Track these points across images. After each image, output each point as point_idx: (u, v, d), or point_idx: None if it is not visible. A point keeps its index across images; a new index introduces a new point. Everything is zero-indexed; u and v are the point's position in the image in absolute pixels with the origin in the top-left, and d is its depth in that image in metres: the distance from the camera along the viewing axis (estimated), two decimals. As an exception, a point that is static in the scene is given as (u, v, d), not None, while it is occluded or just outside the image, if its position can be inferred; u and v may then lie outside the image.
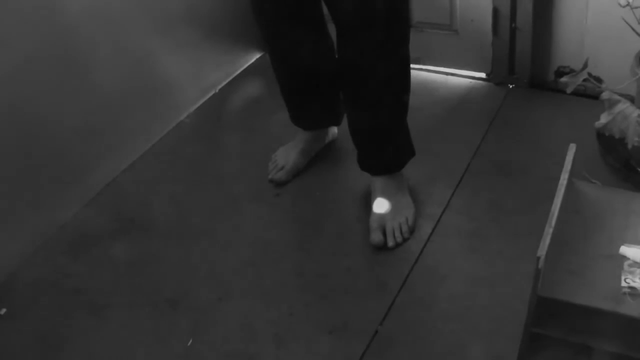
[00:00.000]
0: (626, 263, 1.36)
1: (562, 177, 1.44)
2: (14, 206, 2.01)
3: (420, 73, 2.63)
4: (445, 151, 2.27)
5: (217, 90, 2.71)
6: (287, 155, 2.24)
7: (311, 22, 2.01)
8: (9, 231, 2.00)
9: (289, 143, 2.27)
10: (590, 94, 2.37)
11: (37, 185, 2.06)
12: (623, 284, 1.32)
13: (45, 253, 2.08)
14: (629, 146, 1.97)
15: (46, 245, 2.10)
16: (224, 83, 2.74)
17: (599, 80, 2.29)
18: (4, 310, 1.92)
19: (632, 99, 2.04)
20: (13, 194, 1.99)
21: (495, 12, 2.43)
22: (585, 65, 2.16)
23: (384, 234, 1.96)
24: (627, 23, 1.99)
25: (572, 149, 1.50)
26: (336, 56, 1.96)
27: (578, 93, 2.39)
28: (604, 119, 2.05)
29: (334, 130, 2.33)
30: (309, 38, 2.04)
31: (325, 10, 1.93)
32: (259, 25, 2.08)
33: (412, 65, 1.93)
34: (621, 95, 2.05)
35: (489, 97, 2.52)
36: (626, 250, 1.38)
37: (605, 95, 2.06)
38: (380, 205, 1.99)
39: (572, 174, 1.48)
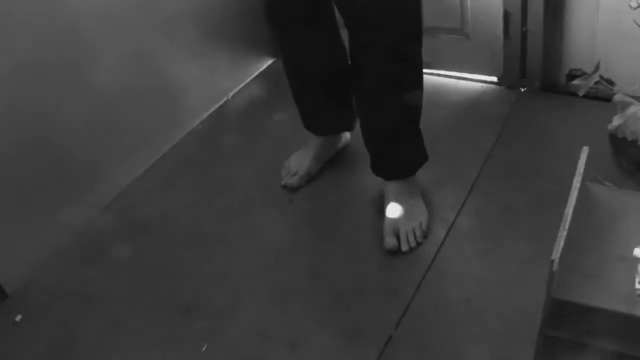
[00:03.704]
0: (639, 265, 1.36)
1: (575, 180, 1.44)
2: (29, 214, 2.02)
3: (432, 77, 2.63)
4: (458, 155, 2.27)
5: (229, 97, 2.72)
6: (300, 161, 2.24)
7: (323, 26, 2.02)
8: (24, 238, 2.01)
9: (301, 149, 2.28)
10: (602, 97, 2.36)
11: (51, 192, 2.07)
12: (637, 286, 1.32)
13: (60, 260, 2.10)
14: (642, 148, 1.97)
15: (61, 252, 2.12)
16: (236, 89, 2.76)
17: (610, 82, 2.29)
18: (19, 317, 1.93)
19: (644, 101, 2.04)
20: (28, 201, 2.01)
21: (506, 15, 2.43)
22: (597, 68, 2.17)
23: (398, 238, 1.96)
24: (638, 25, 1.99)
25: (584, 151, 1.50)
26: (348, 60, 1.96)
27: (590, 96, 2.39)
28: (616, 121, 2.05)
29: (346, 135, 2.33)
30: (321, 42, 2.04)
31: (337, 14, 1.94)
32: (271, 28, 2.08)
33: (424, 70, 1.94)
34: (633, 97, 2.05)
35: (501, 100, 2.51)
36: (639, 252, 1.38)
37: (617, 97, 2.06)
38: (394, 210, 1.99)
39: (585, 176, 1.48)
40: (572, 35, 2.40)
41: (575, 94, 2.42)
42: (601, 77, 2.35)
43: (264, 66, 2.88)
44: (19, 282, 2.02)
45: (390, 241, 1.96)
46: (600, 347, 1.37)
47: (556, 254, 1.27)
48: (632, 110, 2.02)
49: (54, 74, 2.01)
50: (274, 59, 2.87)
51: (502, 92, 2.56)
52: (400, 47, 1.82)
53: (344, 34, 1.94)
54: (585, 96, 2.38)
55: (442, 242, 1.98)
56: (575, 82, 2.42)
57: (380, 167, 2.04)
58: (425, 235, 1.99)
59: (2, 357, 1.85)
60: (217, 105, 2.67)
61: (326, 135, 2.26)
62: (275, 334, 1.80)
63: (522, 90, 2.54)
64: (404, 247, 1.96)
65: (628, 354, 1.34)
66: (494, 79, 2.60)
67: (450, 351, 1.71)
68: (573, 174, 1.45)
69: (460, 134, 2.37)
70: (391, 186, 2.03)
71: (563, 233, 1.31)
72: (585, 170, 1.47)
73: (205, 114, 2.63)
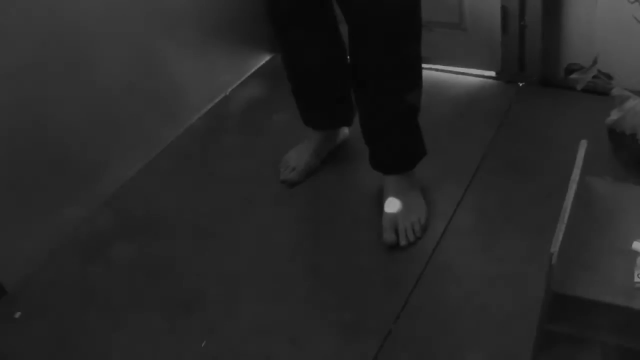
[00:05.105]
0: (638, 258, 1.36)
1: (573, 174, 1.44)
2: (29, 210, 2.02)
3: (430, 72, 2.63)
4: (456, 150, 2.27)
5: (227, 93, 2.72)
6: (298, 156, 2.24)
7: (323, 22, 2.02)
8: (23, 234, 2.01)
9: (300, 144, 2.28)
10: (600, 91, 2.36)
11: (51, 189, 2.07)
12: (636, 279, 1.32)
13: (59, 256, 2.10)
14: (640, 142, 1.98)
15: (59, 248, 2.11)
16: (234, 85, 2.75)
17: (609, 76, 2.29)
18: (18, 314, 1.93)
19: (642, 95, 2.04)
20: (27, 198, 2.01)
21: (504, 10, 2.43)
22: (595, 62, 2.16)
23: (397, 233, 1.96)
24: (636, 19, 1.99)
25: (583, 145, 1.50)
26: (348, 56, 1.96)
27: (588, 90, 2.40)
28: (614, 115, 2.05)
29: (345, 130, 2.33)
30: (321, 38, 2.04)
31: (337, 10, 1.93)
32: (271, 23, 2.08)
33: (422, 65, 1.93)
34: (632, 91, 2.05)
35: (499, 95, 2.52)
36: (638, 245, 1.38)
37: (615, 91, 2.06)
38: (393, 205, 1.99)
39: (584, 170, 1.48)
40: (570, 30, 2.40)
41: (573, 88, 2.42)
42: (599, 71, 2.35)
43: (263, 62, 2.88)
44: (19, 279, 2.02)
45: (389, 236, 1.96)
46: (599, 341, 1.37)
47: (555, 248, 1.27)
48: (630, 104, 2.02)
49: (53, 72, 2.01)
50: (272, 55, 2.87)
51: (500, 87, 2.56)
52: (399, 43, 1.82)
53: (344, 31, 1.94)
54: (584, 90, 2.38)
55: (441, 237, 1.98)
56: (574, 76, 2.42)
57: (379, 161, 2.04)
58: (424, 230, 1.99)
59: (1, 353, 1.85)
60: (215, 102, 2.67)
61: (325, 130, 2.26)
62: (274, 329, 1.80)
63: (521, 84, 2.54)
64: (403, 242, 1.96)
65: (627, 347, 1.35)
66: (492, 73, 2.60)
67: (450, 345, 1.71)
68: (572, 168, 1.45)
69: (458, 128, 2.37)
70: (390, 181, 2.03)
71: (562, 226, 1.31)
72: (583, 164, 1.47)
73: (203, 110, 2.63)
